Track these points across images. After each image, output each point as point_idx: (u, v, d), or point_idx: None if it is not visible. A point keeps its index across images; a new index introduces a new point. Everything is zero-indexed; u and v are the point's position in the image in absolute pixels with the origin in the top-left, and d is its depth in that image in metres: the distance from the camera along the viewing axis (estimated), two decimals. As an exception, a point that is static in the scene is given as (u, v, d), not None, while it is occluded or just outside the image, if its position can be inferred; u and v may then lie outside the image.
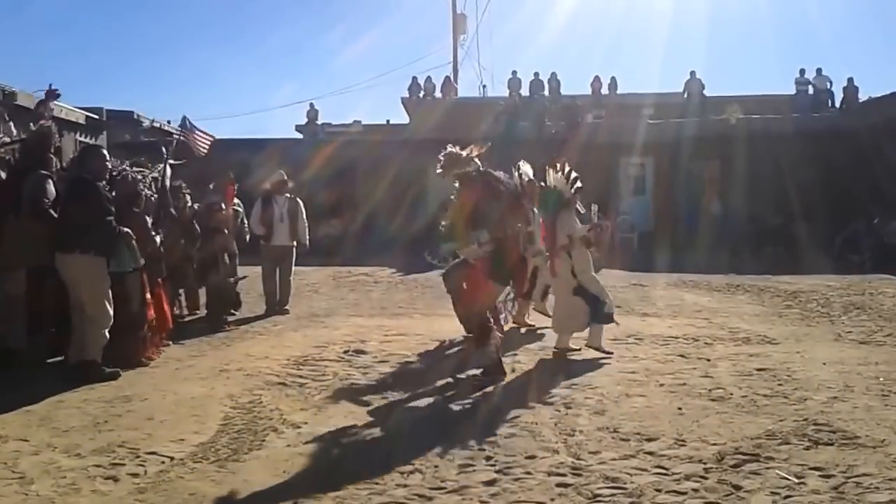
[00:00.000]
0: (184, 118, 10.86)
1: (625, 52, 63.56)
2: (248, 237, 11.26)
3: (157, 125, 26.69)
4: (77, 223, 6.67)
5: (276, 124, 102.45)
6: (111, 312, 6.78)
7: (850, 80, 25.17)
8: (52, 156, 7.44)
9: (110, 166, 7.36)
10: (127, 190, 7.54)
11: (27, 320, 7.00)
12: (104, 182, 7.00)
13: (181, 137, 10.31)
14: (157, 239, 7.72)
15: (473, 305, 7.08)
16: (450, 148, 7.19)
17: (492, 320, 7.09)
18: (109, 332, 6.78)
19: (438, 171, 7.21)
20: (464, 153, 7.11)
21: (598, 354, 7.67)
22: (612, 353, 7.72)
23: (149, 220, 7.70)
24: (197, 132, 10.61)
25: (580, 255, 7.78)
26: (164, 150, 8.91)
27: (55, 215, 6.83)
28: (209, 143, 10.85)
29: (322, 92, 39.45)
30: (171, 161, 8.76)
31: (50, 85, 8.73)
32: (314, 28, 78.97)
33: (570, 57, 67.38)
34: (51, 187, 6.96)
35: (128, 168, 8.03)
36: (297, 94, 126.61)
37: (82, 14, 73.09)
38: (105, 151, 7.35)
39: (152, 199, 8.17)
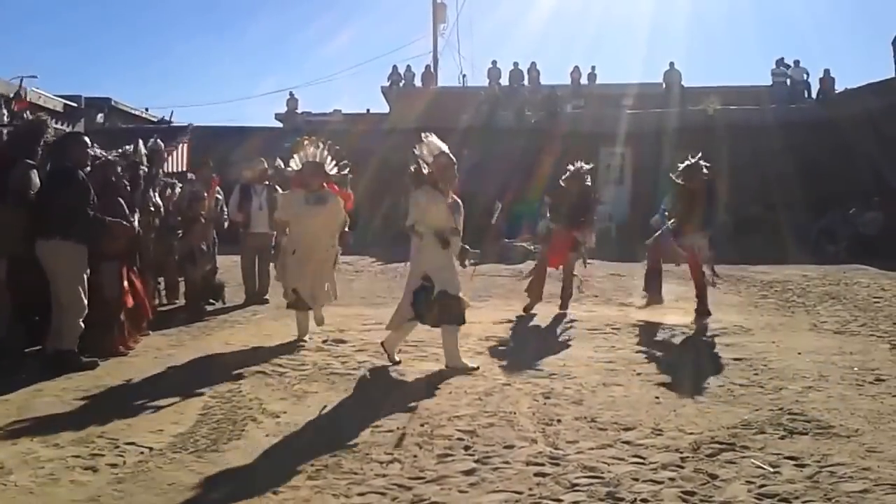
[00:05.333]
0: (189, 125, 10.68)
1: (605, 43, 63.82)
2: (226, 224, 11.18)
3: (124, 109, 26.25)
4: (58, 210, 6.61)
5: (256, 113, 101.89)
6: (86, 302, 6.74)
7: (827, 71, 25.42)
8: (39, 148, 7.37)
9: (91, 154, 7.30)
10: (104, 177, 7.45)
11: (9, 309, 6.94)
12: (85, 169, 6.95)
13: (181, 144, 10.15)
14: (135, 225, 7.62)
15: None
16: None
17: None
18: (87, 321, 6.75)
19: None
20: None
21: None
22: None
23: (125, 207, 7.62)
24: (182, 147, 10.37)
25: None
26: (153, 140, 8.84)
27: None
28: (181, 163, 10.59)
29: (299, 81, 39.49)
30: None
31: (21, 80, 8.66)
32: (292, 18, 78.70)
33: (550, 47, 67.57)
34: (35, 178, 6.90)
35: (105, 155, 7.94)
36: (275, 83, 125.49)
37: (61, 1, 72.36)
38: (86, 139, 7.28)
39: (127, 188, 8.08)
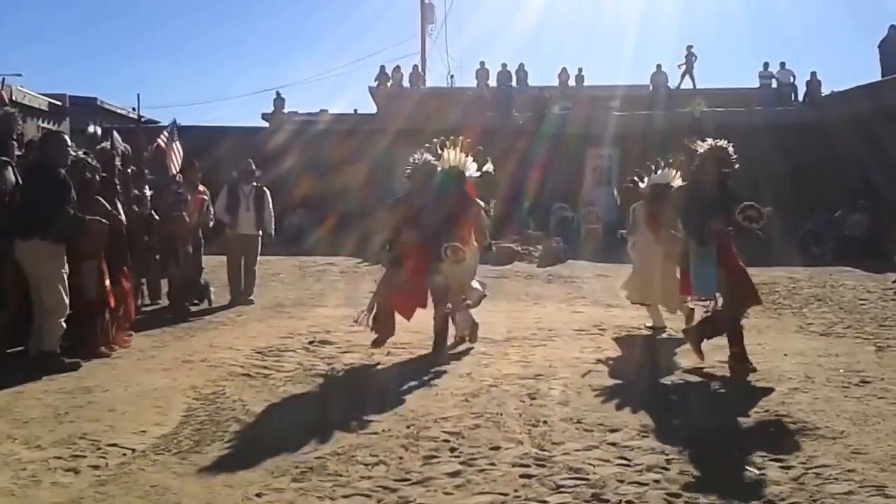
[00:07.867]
0: (173, 122, 10.58)
1: (593, 45, 63.87)
2: (211, 223, 11.10)
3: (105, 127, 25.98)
4: (37, 210, 6.54)
5: (242, 112, 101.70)
6: (67, 301, 6.68)
7: (814, 73, 25.40)
8: (13, 142, 7.30)
9: (72, 152, 7.23)
10: (80, 175, 7.36)
11: None
12: (65, 168, 6.88)
13: (162, 143, 10.07)
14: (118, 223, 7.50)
15: None
16: None
17: None
18: (70, 321, 6.68)
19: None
20: None
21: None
22: None
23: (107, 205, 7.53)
24: (176, 145, 10.27)
25: None
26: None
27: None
28: (179, 162, 10.40)
29: (285, 81, 39.35)
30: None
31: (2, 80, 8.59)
32: (284, 18, 78.43)
33: (538, 49, 67.61)
34: (10, 175, 6.83)
35: (85, 154, 7.87)
36: (262, 82, 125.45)
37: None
38: (66, 137, 7.22)
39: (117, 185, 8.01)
